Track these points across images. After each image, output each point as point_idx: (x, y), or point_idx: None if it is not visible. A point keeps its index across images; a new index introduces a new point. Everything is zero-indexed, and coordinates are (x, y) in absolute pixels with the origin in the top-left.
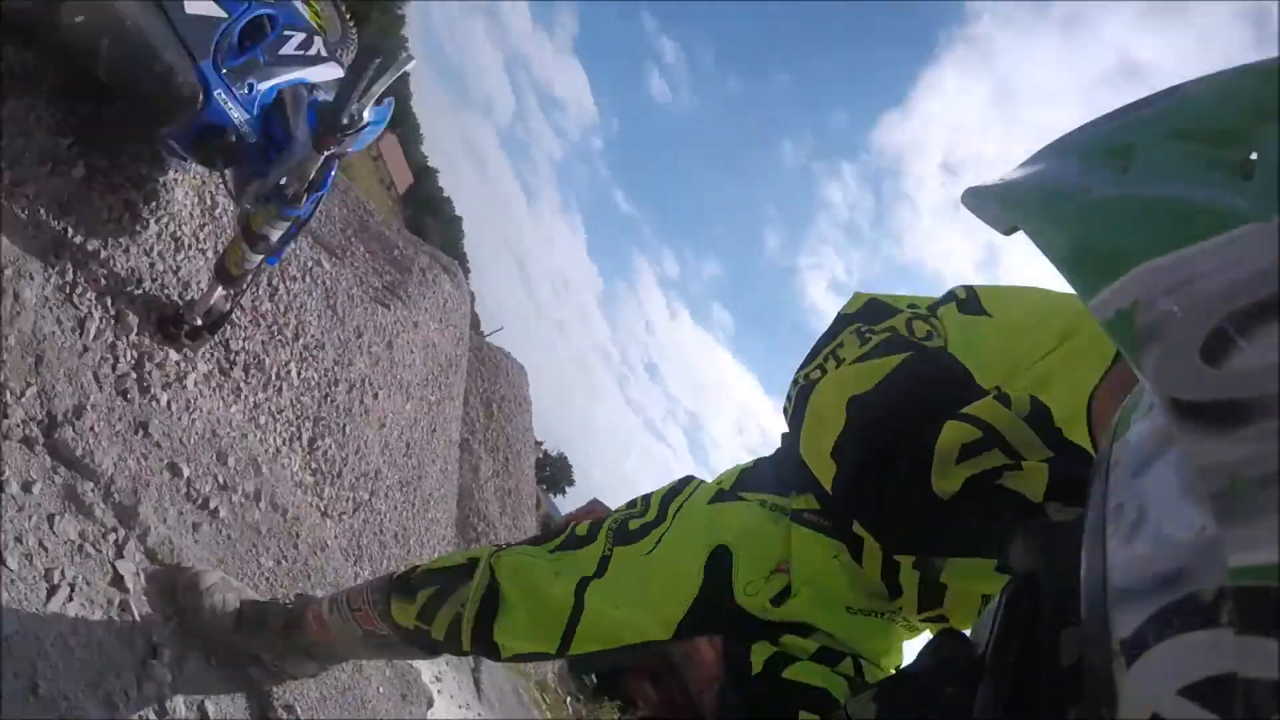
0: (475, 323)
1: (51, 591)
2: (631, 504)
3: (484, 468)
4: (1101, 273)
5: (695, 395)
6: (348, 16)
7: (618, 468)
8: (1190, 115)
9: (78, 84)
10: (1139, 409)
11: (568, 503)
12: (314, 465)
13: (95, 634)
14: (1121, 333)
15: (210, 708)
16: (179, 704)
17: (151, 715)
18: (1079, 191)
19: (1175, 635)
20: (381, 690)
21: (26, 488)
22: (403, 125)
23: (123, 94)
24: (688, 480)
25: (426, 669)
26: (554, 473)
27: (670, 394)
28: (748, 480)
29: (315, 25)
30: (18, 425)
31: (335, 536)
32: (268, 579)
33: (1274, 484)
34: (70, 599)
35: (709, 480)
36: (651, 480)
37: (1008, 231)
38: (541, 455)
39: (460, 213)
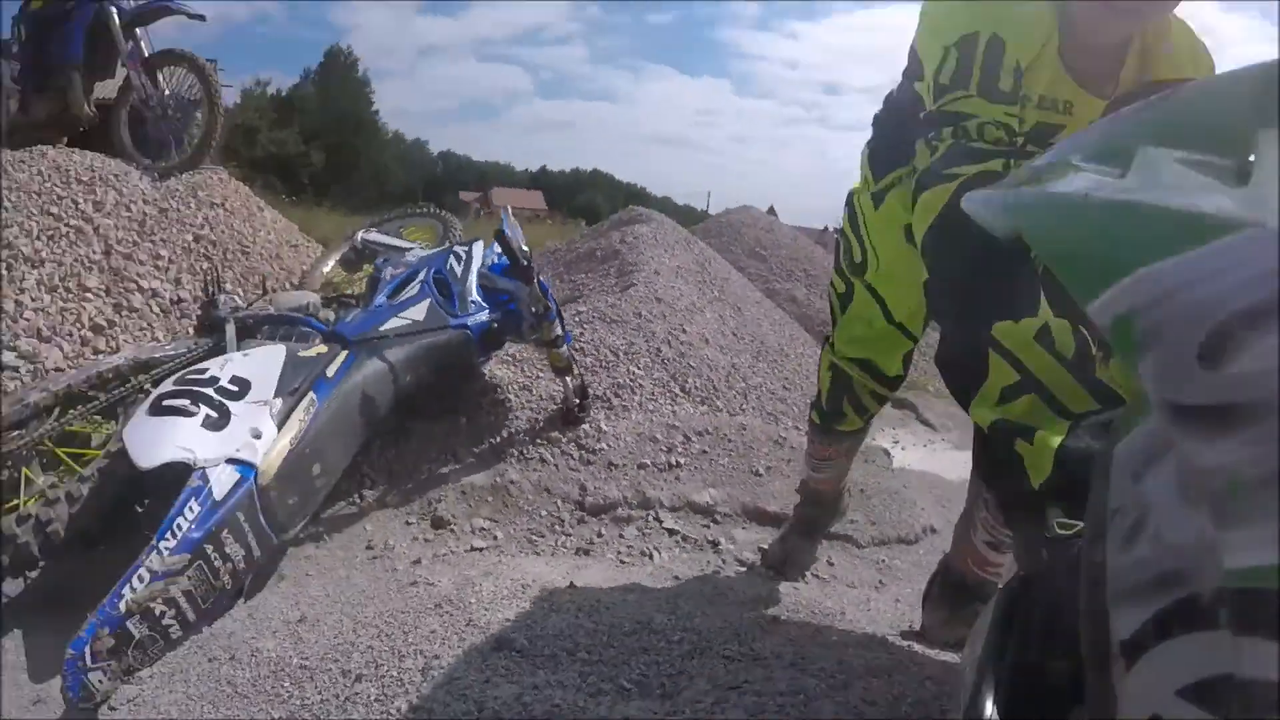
0: (689, 215)
1: (650, 557)
2: (840, 244)
3: (798, 293)
4: (1100, 277)
5: (882, 68)
6: (428, 210)
7: None
8: (1188, 120)
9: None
10: (1139, 411)
11: None
12: (699, 398)
13: (684, 555)
14: (1121, 337)
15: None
16: (744, 551)
17: (737, 567)
18: (1077, 196)
19: (1174, 637)
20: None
21: (600, 535)
22: (493, 182)
23: (447, 376)
24: (850, 198)
25: (884, 440)
26: None
27: (862, 88)
28: (877, 168)
29: (430, 246)
30: (569, 516)
31: (748, 420)
32: (730, 471)
33: (1271, 487)
34: (661, 554)
35: (858, 183)
36: None
37: (1008, 236)
38: (836, 237)
39: (590, 168)
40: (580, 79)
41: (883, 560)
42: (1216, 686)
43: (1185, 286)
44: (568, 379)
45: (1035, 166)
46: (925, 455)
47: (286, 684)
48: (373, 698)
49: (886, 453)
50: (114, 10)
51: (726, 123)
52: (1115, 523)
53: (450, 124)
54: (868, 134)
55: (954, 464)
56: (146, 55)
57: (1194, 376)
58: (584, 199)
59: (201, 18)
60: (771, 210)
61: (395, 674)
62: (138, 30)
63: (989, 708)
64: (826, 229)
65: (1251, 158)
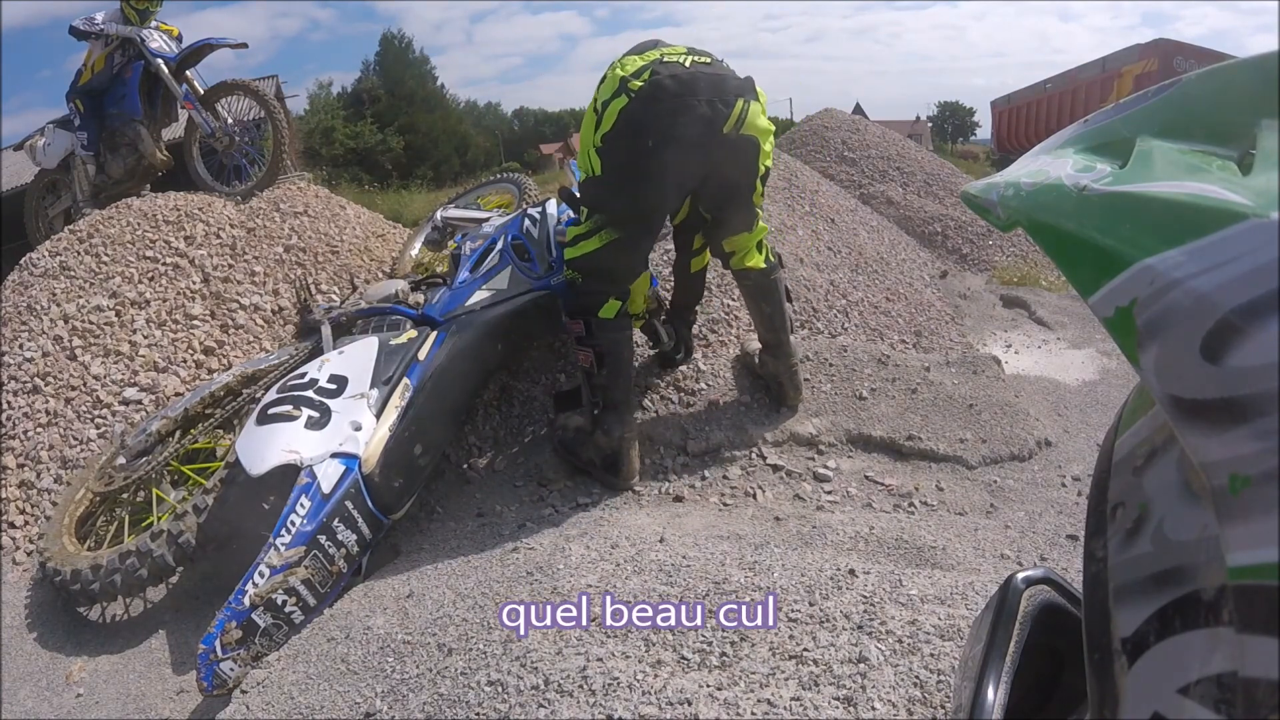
0: (779, 126)
1: (754, 497)
2: None
3: (893, 193)
4: (1101, 270)
5: None
6: (500, 175)
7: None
8: (1189, 110)
9: None
10: (1139, 406)
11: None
12: (798, 322)
13: (787, 492)
14: (1122, 330)
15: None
16: (850, 483)
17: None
18: (1077, 188)
19: (1176, 634)
20: None
21: (703, 478)
22: (571, 129)
23: (540, 337)
24: None
25: (995, 345)
26: (953, 124)
27: None
28: None
29: (508, 210)
30: (672, 462)
31: (849, 341)
32: (832, 398)
33: (1274, 482)
34: (765, 493)
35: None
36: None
37: (1007, 229)
38: (926, 121)
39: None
40: (636, 10)
41: (994, 481)
42: (1219, 684)
43: (1187, 279)
44: (656, 321)
45: (1033, 154)
46: (1040, 358)
47: (390, 659)
48: (459, 670)
49: (997, 361)
50: (160, 61)
51: (796, 23)
52: (1116, 518)
53: (520, 81)
54: (942, 9)
55: (1070, 364)
56: (202, 92)
57: (1196, 370)
58: None
59: (244, 45)
60: (858, 109)
61: (481, 647)
62: (188, 72)
63: (991, 707)
64: (919, 118)
65: (1252, 148)
